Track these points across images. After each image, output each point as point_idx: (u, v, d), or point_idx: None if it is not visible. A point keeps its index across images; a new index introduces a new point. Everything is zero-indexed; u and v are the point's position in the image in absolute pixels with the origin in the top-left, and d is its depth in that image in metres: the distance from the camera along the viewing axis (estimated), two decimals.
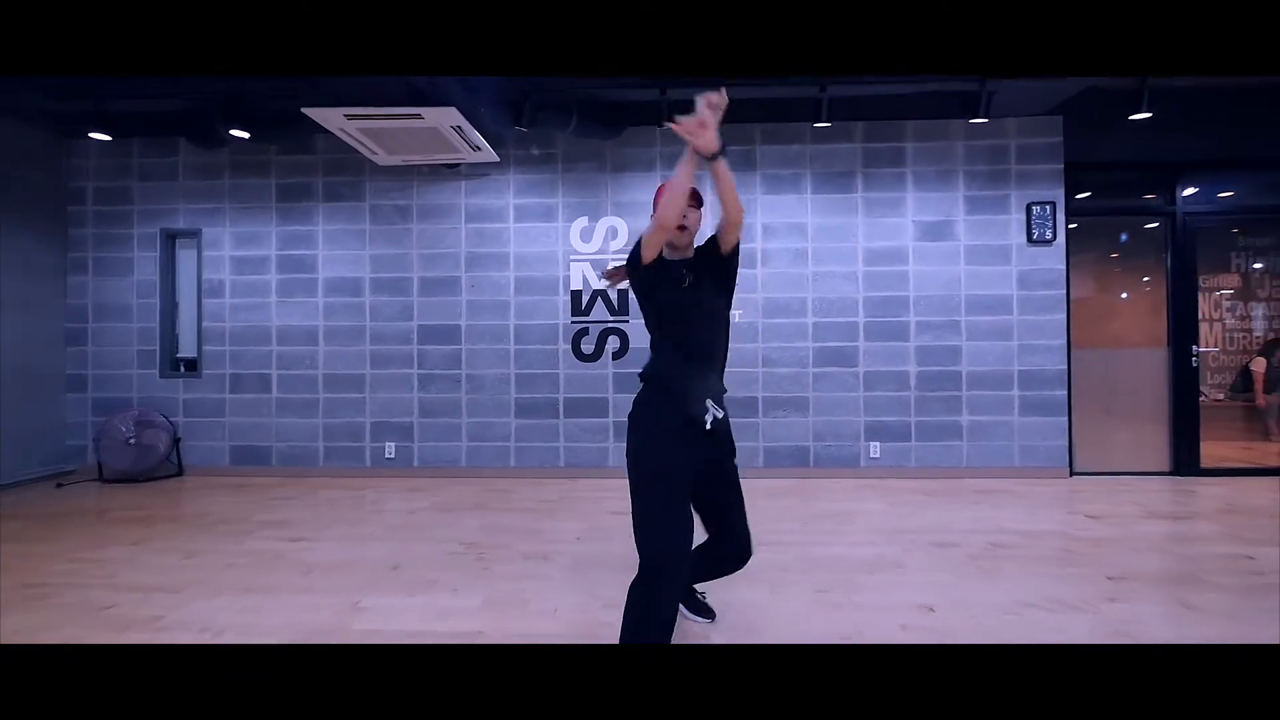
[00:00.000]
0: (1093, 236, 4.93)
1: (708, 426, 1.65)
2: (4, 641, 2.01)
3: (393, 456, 4.63)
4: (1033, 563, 2.71)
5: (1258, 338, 6.24)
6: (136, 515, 3.59)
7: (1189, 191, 4.55)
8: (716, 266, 1.75)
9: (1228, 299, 6.29)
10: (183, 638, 2.03)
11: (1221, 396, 6.29)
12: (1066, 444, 4.41)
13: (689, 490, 1.64)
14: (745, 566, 1.87)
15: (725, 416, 1.73)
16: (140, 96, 3.82)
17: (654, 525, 1.58)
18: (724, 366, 1.78)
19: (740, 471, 1.82)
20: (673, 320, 1.73)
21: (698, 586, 2.14)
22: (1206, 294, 6.25)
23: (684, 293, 1.71)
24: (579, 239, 4.59)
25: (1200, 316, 6.20)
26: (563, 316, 4.59)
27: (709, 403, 1.65)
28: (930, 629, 2.07)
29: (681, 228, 1.70)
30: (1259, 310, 6.28)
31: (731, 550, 1.84)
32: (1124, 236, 5.04)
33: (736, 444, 1.82)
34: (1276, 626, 2.07)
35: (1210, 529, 3.26)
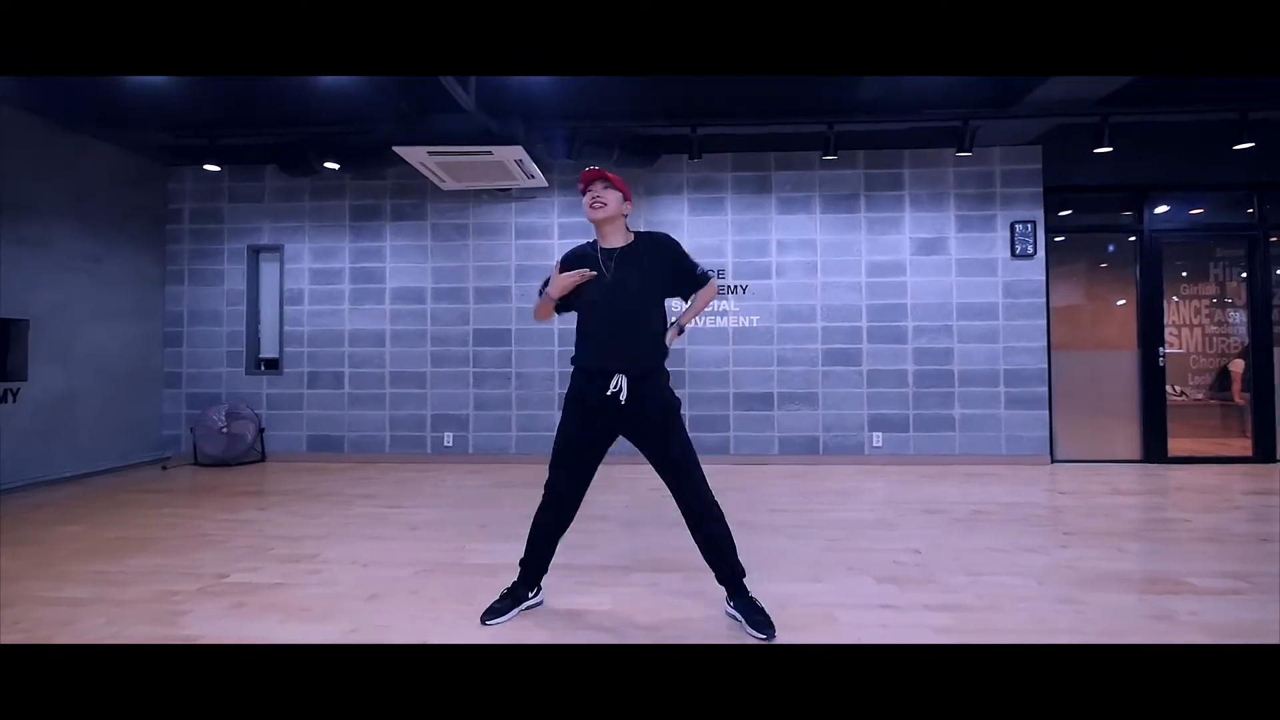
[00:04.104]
0: (1073, 250, 5.52)
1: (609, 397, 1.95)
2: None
3: (450, 444, 5.25)
4: (1006, 523, 3.30)
5: (1235, 342, 6.80)
6: (247, 489, 4.22)
7: (1158, 210, 5.13)
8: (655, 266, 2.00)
9: (1207, 306, 6.86)
10: (342, 568, 2.63)
11: (1201, 396, 6.85)
12: (1048, 434, 4.98)
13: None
14: (706, 530, 2.01)
15: (635, 392, 1.96)
16: (248, 134, 4.49)
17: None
18: (637, 349, 1.98)
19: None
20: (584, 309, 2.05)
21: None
22: (1187, 301, 6.85)
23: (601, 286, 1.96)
24: None
25: (1182, 322, 6.80)
26: None
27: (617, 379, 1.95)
28: (916, 564, 2.66)
29: (600, 204, 1.93)
30: (1238, 316, 6.85)
31: (683, 508, 2.02)
32: (1111, 248, 5.62)
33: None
34: (1184, 564, 2.65)
35: (1161, 501, 3.84)
